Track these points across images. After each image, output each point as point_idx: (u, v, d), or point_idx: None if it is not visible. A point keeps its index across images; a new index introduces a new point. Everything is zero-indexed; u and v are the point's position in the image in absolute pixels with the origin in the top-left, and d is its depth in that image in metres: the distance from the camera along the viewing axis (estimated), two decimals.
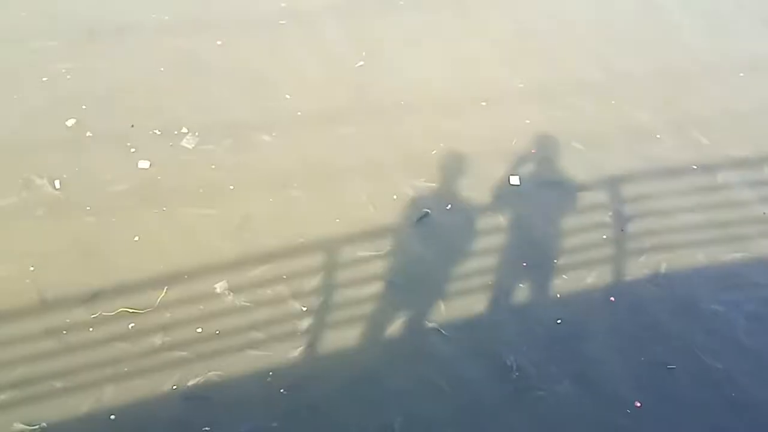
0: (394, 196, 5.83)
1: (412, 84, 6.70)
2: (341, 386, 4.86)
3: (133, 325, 4.97)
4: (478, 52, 7.07)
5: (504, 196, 5.92)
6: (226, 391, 4.77)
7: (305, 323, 5.11)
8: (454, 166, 6.05)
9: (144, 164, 5.83)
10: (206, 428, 4.61)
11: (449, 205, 5.80)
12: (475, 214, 5.79)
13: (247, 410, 4.70)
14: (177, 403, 4.70)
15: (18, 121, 6.09)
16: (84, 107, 6.23)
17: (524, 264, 5.53)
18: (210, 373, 4.83)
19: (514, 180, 5.98)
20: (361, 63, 6.83)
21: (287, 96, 6.50)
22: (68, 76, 6.49)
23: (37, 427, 4.54)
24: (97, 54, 6.68)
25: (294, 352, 4.97)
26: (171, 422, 4.63)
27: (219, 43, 6.91)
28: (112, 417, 4.62)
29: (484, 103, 6.57)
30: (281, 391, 4.80)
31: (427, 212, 5.72)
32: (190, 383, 4.78)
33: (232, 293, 5.19)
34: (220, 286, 5.20)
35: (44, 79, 6.47)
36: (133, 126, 6.11)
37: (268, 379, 4.84)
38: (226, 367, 4.86)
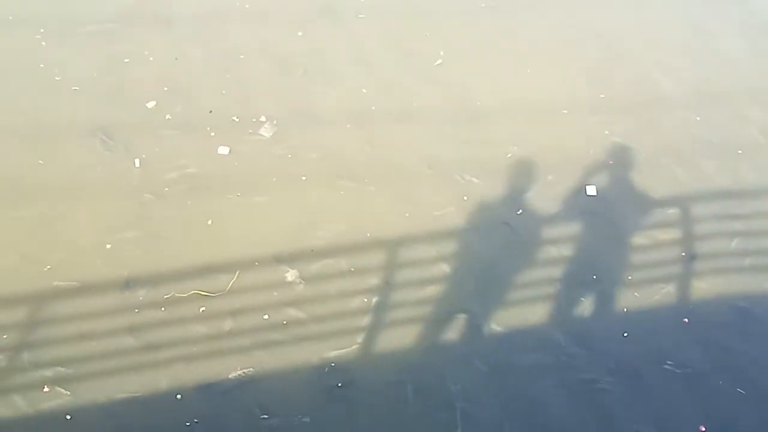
0: (465, 197, 5.80)
1: (489, 87, 6.65)
2: (397, 383, 4.85)
3: (203, 309, 5.02)
4: (558, 59, 6.99)
5: (578, 205, 5.84)
6: (285, 381, 4.80)
7: (367, 318, 5.11)
8: (528, 171, 6.00)
9: (223, 150, 5.88)
10: (264, 416, 4.65)
11: (520, 211, 5.74)
12: (547, 221, 5.73)
13: (303, 402, 4.73)
14: (239, 388, 4.74)
15: (101, 100, 6.18)
16: (165, 89, 6.31)
17: (594, 276, 5.45)
18: (272, 361, 4.86)
19: (591, 190, 5.90)
20: (440, 61, 6.79)
21: (363, 90, 6.49)
22: (150, 58, 6.57)
23: (127, 395, 4.65)
24: (177, 40, 6.76)
25: (354, 346, 4.98)
26: (232, 406, 4.67)
27: (300, 34, 6.93)
28: (179, 396, 4.68)
29: (565, 111, 6.49)
30: (338, 384, 4.81)
31: (508, 223, 5.68)
32: (253, 370, 4.81)
33: (302, 282, 5.21)
34: (291, 275, 5.23)
35: (126, 60, 6.56)
36: (211, 112, 6.17)
37: (326, 370, 4.86)
38: (288, 357, 4.89)
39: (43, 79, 6.30)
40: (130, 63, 6.54)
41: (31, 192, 5.53)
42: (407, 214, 5.65)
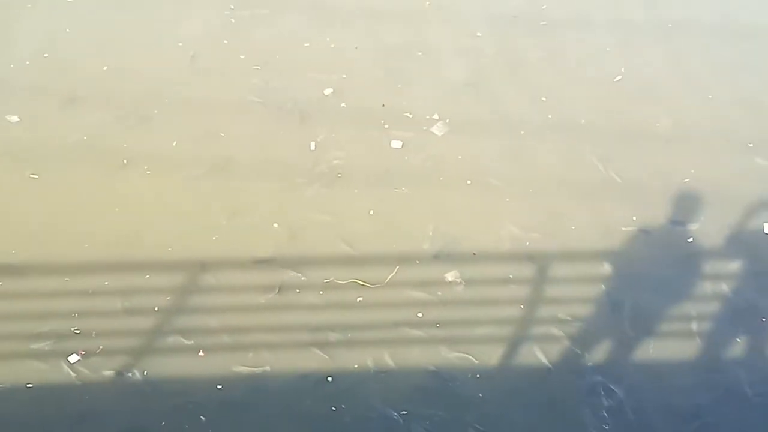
0: (634, 218, 5.57)
1: (667, 108, 6.37)
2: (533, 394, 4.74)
3: (361, 299, 5.05)
4: (743, 87, 6.61)
5: (753, 242, 5.51)
6: (431, 382, 4.77)
7: (515, 329, 5.01)
8: (703, 199, 5.72)
9: (396, 144, 5.91)
10: (404, 412, 4.62)
11: (690, 239, 5.48)
12: (717, 254, 5.44)
13: (456, 406, 4.67)
14: (379, 380, 4.75)
15: (283, 84, 6.35)
16: (344, 76, 6.40)
17: (763, 319, 5.12)
18: (416, 359, 4.85)
19: None
20: (619, 77, 6.58)
21: (543, 99, 6.37)
22: (332, 45, 6.69)
23: (259, 369, 4.74)
24: (358, 30, 6.85)
25: (498, 357, 4.89)
26: (372, 398, 4.68)
27: (479, 34, 6.88)
28: (329, 379, 4.73)
29: (751, 145, 6.12)
30: (479, 395, 4.73)
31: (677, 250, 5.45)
32: (395, 365, 4.81)
33: (463, 284, 5.16)
34: (451, 275, 5.19)
35: (306, 44, 6.70)
36: (384, 105, 6.21)
37: (478, 376, 4.79)
38: (432, 359, 4.85)
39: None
40: (310, 47, 6.67)
41: (208, 161, 5.76)
42: (573, 227, 5.51)
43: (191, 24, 6.80)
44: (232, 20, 6.85)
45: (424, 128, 6.05)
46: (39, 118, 5.93)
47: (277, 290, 5.07)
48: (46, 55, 6.41)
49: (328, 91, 6.29)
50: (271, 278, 5.13)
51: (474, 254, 5.32)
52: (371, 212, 5.52)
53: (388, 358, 4.83)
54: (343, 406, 4.62)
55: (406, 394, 4.70)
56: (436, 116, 6.13)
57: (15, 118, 5.86)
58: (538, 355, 4.89)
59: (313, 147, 5.88)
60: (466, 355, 4.86)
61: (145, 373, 4.69)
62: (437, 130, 6.04)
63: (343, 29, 6.85)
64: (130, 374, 4.70)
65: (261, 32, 6.79)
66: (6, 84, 6.14)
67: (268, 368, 4.75)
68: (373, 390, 4.70)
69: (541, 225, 5.53)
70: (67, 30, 6.66)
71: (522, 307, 5.10)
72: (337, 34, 6.78)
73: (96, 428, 4.49)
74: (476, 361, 4.85)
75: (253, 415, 4.58)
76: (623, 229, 5.51)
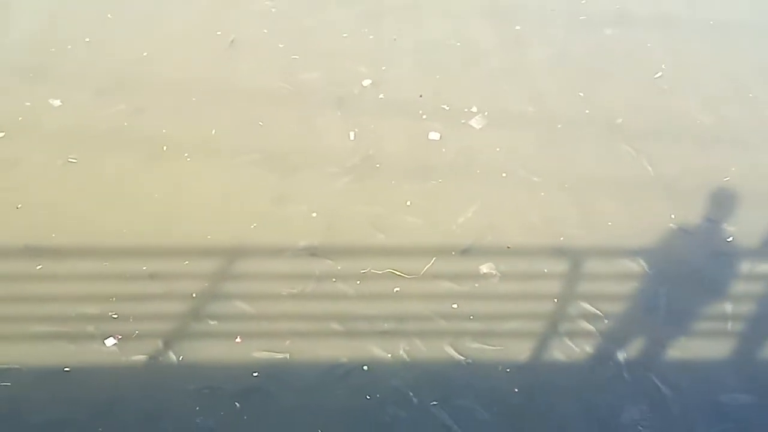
0: (672, 215, 5.54)
1: (707, 104, 6.33)
2: (559, 401, 4.69)
3: (397, 289, 5.06)
4: None
5: None
6: (463, 373, 4.75)
7: (547, 325, 4.99)
8: (746, 197, 5.66)
9: (434, 135, 5.92)
10: (434, 402, 4.61)
11: (731, 238, 5.43)
12: (754, 255, 5.38)
13: (488, 398, 4.66)
14: (413, 371, 4.75)
15: (322, 74, 6.37)
16: (383, 68, 6.42)
17: None
18: (449, 350, 4.83)
19: None
20: (660, 74, 6.53)
21: (581, 93, 6.35)
22: (370, 36, 6.70)
23: (295, 357, 4.76)
24: (393, 21, 6.87)
25: (533, 352, 4.86)
26: (405, 388, 4.67)
27: (517, 28, 6.85)
28: (365, 368, 4.75)
29: None
30: (514, 389, 4.71)
31: (718, 250, 5.39)
32: (429, 356, 4.81)
33: (498, 276, 5.16)
34: (486, 267, 5.19)
35: (344, 35, 6.75)
36: (421, 96, 6.22)
37: (508, 370, 4.77)
38: (465, 350, 4.83)
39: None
40: (349, 38, 6.69)
41: (247, 150, 5.80)
42: (609, 222, 5.48)
43: (231, 12, 6.84)
44: (273, 10, 6.88)
45: (462, 121, 6.05)
46: (80, 103, 5.99)
47: (313, 279, 5.08)
48: (87, 39, 6.46)
49: (366, 83, 6.31)
50: (308, 267, 5.15)
51: (508, 247, 5.31)
52: (408, 203, 5.53)
53: (422, 349, 4.83)
54: (378, 395, 4.63)
55: (439, 385, 4.69)
56: (474, 109, 6.13)
57: (57, 102, 5.93)
58: (571, 349, 4.87)
59: (352, 137, 5.89)
60: (499, 348, 4.85)
61: (180, 358, 4.73)
62: (475, 123, 6.04)
63: (381, 20, 6.88)
64: (165, 359, 4.73)
65: (300, 22, 6.81)
66: (49, 68, 6.20)
67: (303, 357, 4.77)
68: (406, 380, 4.69)
69: (576, 220, 5.50)
70: (109, 16, 6.75)
71: (556, 301, 5.08)
72: (376, 26, 6.79)
73: (130, 412, 4.51)
74: (509, 354, 4.83)
75: (288, 402, 4.59)
76: (661, 225, 5.46)
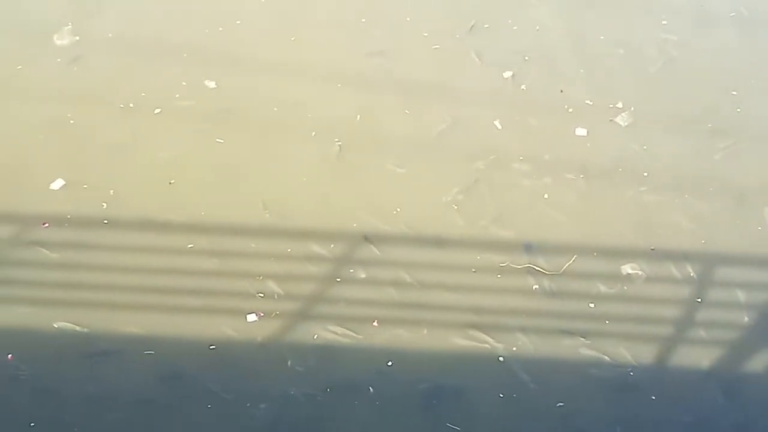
0: (759, 228, 5.39)
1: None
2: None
3: (536, 287, 5.05)
4: None
5: None
6: (596, 373, 4.74)
7: (674, 330, 4.91)
8: None
9: (581, 132, 5.86)
10: (560, 404, 4.60)
11: None
12: None
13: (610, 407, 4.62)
14: (543, 371, 4.76)
15: (456, 64, 6.40)
16: (527, 58, 6.37)
17: None
18: (581, 350, 4.82)
19: None
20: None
21: (734, 92, 6.16)
22: (514, 27, 6.65)
23: (426, 346, 4.82)
24: (538, 12, 6.79)
25: (675, 359, 4.81)
26: (536, 389, 4.69)
27: (664, 22, 6.69)
28: (501, 358, 4.76)
29: None
30: (651, 396, 4.64)
31: None
32: (557, 355, 4.80)
33: (641, 277, 5.10)
34: (630, 267, 5.13)
35: (486, 25, 6.69)
36: (562, 91, 6.15)
37: (631, 373, 4.72)
38: (601, 351, 4.82)
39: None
40: (490, 28, 6.66)
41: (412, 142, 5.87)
42: (759, 228, 5.38)
43: None
44: None
45: (609, 119, 5.96)
46: (232, 85, 6.15)
47: (453, 270, 5.13)
48: (238, 22, 6.64)
49: (507, 74, 6.26)
50: (446, 257, 5.20)
51: (652, 249, 5.22)
52: (545, 196, 5.51)
53: (550, 347, 4.82)
54: (513, 395, 4.66)
55: (572, 386, 4.70)
56: (620, 105, 6.02)
57: (212, 84, 6.13)
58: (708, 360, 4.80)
59: (499, 126, 5.89)
60: (631, 351, 4.81)
61: (315, 337, 4.84)
62: (621, 120, 5.92)
63: (523, 11, 6.79)
64: (302, 340, 4.85)
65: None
66: (204, 50, 6.39)
67: (436, 346, 4.82)
68: (539, 379, 4.71)
69: (722, 224, 5.40)
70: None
71: (699, 301, 5.00)
72: (519, 17, 6.73)
73: (264, 389, 4.64)
74: (643, 359, 4.79)
75: (422, 391, 4.67)
76: None
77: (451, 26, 6.62)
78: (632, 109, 6.00)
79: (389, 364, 4.76)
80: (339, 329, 4.88)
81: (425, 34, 6.57)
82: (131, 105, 5.94)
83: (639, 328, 4.92)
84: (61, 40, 6.36)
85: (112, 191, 5.43)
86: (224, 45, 6.42)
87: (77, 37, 6.39)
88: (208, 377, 4.68)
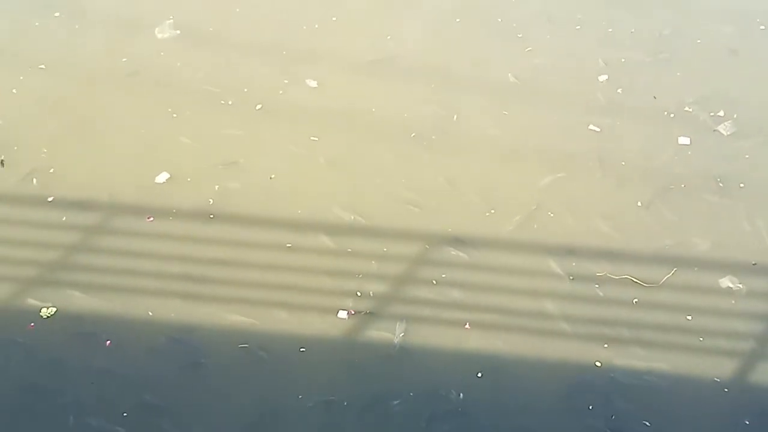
0: None
1: None
2: None
3: (636, 300, 5.01)
4: None
5: None
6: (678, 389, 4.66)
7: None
8: None
9: (684, 140, 5.81)
10: (645, 422, 4.54)
11: None
12: None
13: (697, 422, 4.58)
14: (625, 381, 4.70)
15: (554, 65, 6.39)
16: (622, 60, 6.35)
17: None
18: (674, 363, 4.75)
19: None
20: None
21: None
22: (609, 29, 6.63)
23: (514, 354, 4.80)
24: (632, 12, 6.78)
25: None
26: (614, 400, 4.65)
27: (762, 27, 6.63)
28: (598, 364, 4.74)
29: None
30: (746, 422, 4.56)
31: None
32: (650, 367, 4.74)
33: (742, 291, 5.03)
34: (729, 281, 5.08)
35: (577, 27, 6.69)
36: (655, 98, 6.10)
37: (726, 390, 4.65)
38: (695, 365, 4.75)
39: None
40: (581, 29, 6.67)
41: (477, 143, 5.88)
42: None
43: None
44: None
45: (714, 129, 5.89)
46: (331, 85, 6.22)
47: (543, 276, 5.13)
48: (334, 18, 6.69)
49: (603, 78, 6.23)
50: (530, 263, 5.20)
51: (754, 264, 5.16)
52: (638, 203, 5.47)
53: (644, 361, 4.76)
54: (590, 406, 4.62)
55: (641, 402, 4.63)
56: (721, 113, 5.95)
57: (313, 84, 6.20)
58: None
59: (597, 128, 5.88)
60: (727, 365, 4.75)
61: (401, 335, 4.83)
62: (723, 129, 5.85)
63: (617, 11, 6.77)
64: (390, 339, 4.84)
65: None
66: (303, 49, 6.48)
67: (527, 355, 4.79)
68: (621, 390, 4.65)
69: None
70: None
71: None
72: (613, 16, 6.70)
73: (348, 386, 4.65)
74: (742, 376, 4.72)
75: (509, 397, 4.65)
76: None
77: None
78: (735, 116, 5.95)
79: (479, 375, 4.71)
80: (429, 330, 4.88)
81: (519, 36, 6.59)
82: (230, 102, 6.07)
83: (736, 344, 4.85)
84: (162, 33, 6.49)
85: (216, 187, 5.53)
86: (322, 42, 6.51)
87: (178, 31, 6.52)
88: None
